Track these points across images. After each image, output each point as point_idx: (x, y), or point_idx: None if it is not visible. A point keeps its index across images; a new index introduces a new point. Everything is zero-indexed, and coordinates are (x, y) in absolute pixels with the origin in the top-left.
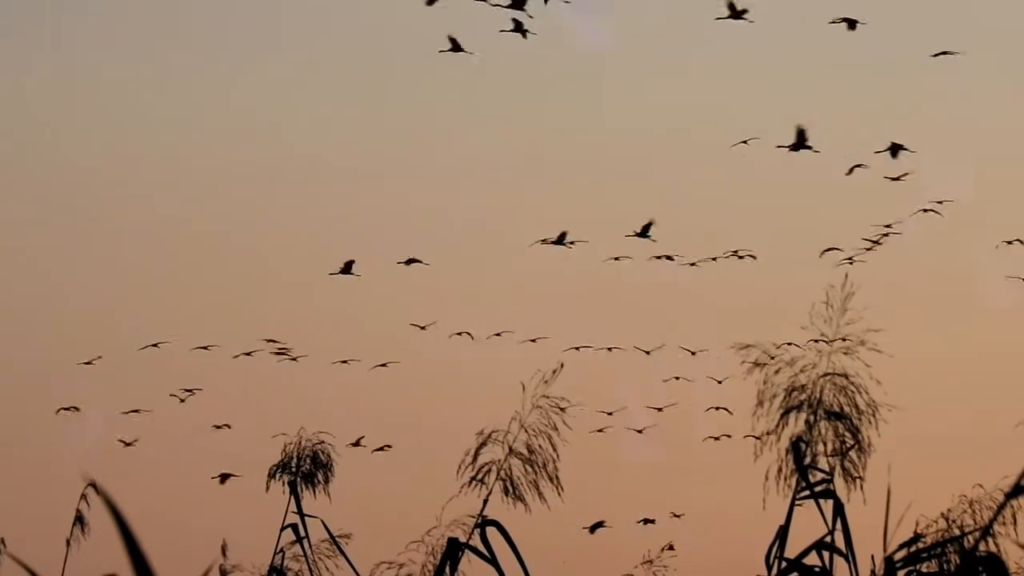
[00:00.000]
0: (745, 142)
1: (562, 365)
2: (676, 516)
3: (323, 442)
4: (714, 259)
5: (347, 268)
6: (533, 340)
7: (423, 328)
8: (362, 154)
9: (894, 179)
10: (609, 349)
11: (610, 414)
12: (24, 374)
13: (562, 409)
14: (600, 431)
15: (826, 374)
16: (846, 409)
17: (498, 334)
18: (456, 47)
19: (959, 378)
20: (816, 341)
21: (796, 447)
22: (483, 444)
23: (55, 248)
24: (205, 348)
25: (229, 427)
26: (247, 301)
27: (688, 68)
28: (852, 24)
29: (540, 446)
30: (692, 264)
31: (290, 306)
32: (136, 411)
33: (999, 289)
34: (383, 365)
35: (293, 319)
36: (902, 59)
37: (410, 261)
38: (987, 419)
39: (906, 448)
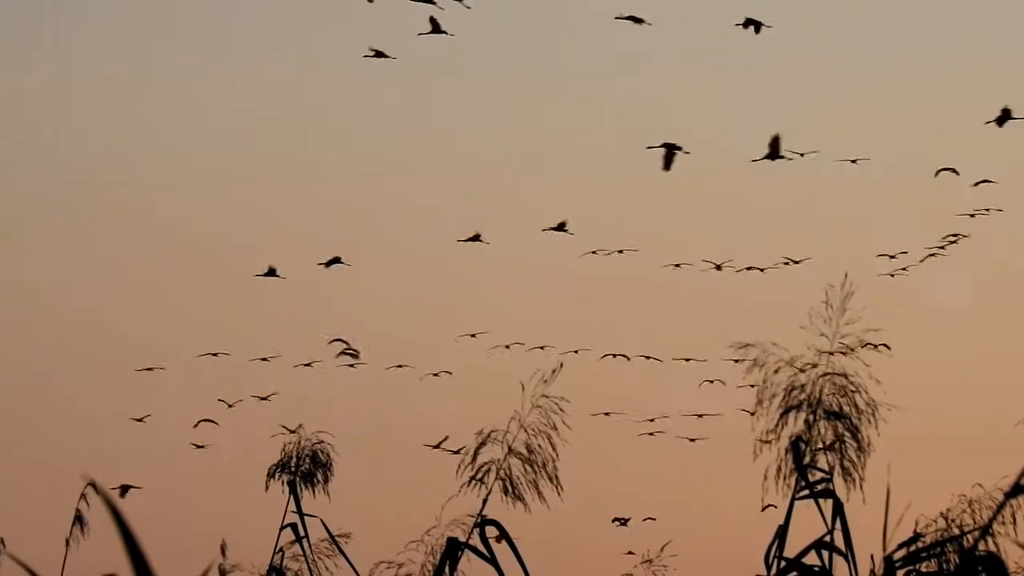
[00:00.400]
0: (802, 154)
1: (561, 365)
2: (650, 519)
3: (322, 441)
4: (762, 270)
5: (271, 272)
6: (542, 347)
7: (474, 336)
8: (362, 154)
9: (973, 184)
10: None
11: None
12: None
13: (561, 409)
14: (650, 434)
15: (825, 374)
16: (845, 408)
17: (521, 345)
18: (379, 54)
19: (959, 378)
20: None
21: (795, 446)
22: (482, 444)
23: (55, 248)
24: (265, 359)
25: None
26: (246, 301)
27: (694, 69)
28: (757, 27)
29: (539, 446)
30: (747, 269)
31: (291, 306)
32: (209, 420)
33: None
34: (435, 375)
35: (293, 320)
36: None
37: (331, 262)
38: (987, 419)
39: (906, 448)
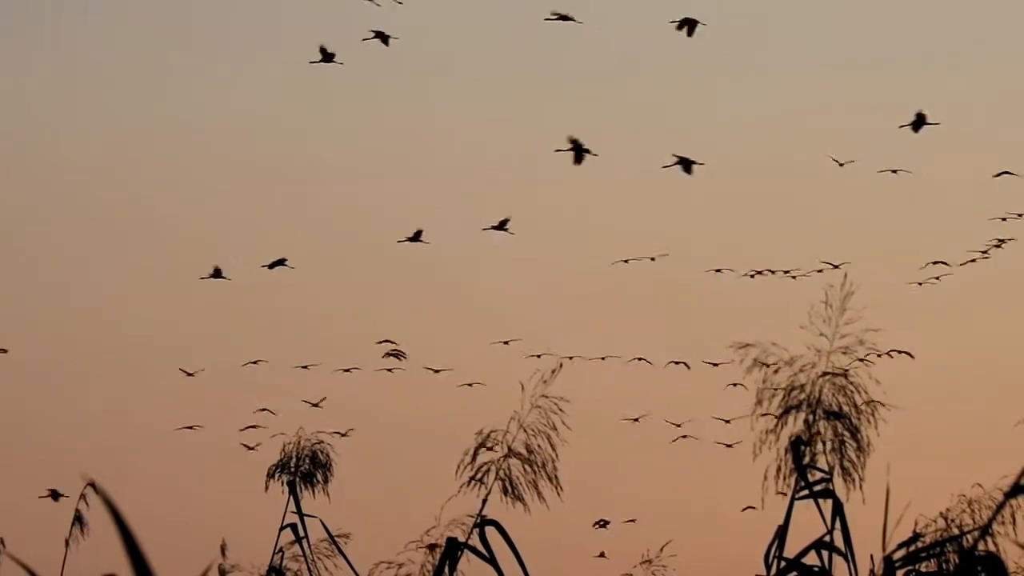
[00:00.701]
0: (841, 164)
1: (561, 365)
2: (630, 521)
3: (322, 442)
4: (806, 275)
5: (217, 273)
6: (538, 355)
7: (507, 344)
8: (362, 154)
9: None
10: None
11: (678, 425)
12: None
13: (561, 409)
14: (684, 438)
15: (825, 373)
16: (845, 408)
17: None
18: (327, 57)
19: (959, 378)
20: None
21: (795, 446)
22: (482, 444)
23: (55, 248)
24: (305, 367)
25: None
26: (246, 300)
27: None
28: (691, 28)
29: (539, 446)
30: (792, 276)
31: (292, 307)
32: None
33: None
34: (469, 385)
35: (295, 320)
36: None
37: (274, 264)
38: (987, 419)
39: (906, 448)
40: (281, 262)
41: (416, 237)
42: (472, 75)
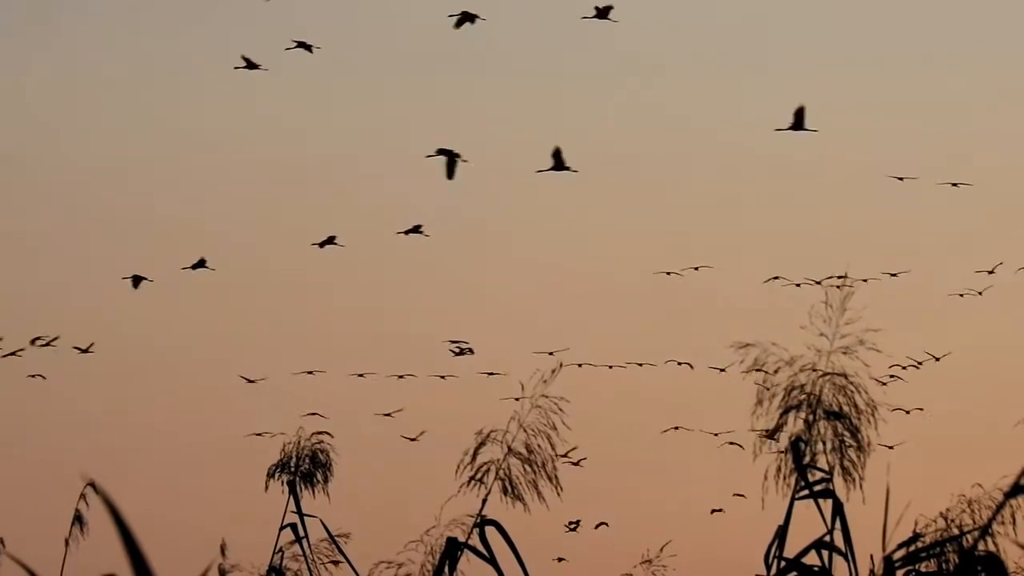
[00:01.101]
0: (900, 178)
1: (561, 364)
2: (602, 525)
3: (322, 441)
4: (864, 281)
5: (136, 281)
6: (610, 367)
7: (551, 354)
8: (362, 154)
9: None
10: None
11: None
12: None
13: (561, 409)
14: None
15: (825, 373)
16: (845, 408)
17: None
18: (250, 65)
19: (959, 378)
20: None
21: (795, 446)
22: (482, 444)
23: (55, 248)
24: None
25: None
26: (246, 301)
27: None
28: (308, 47)
29: (539, 446)
30: (817, 283)
31: (293, 308)
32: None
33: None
34: (514, 399)
35: (296, 322)
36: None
37: (196, 265)
38: (987, 419)
39: (905, 448)
40: (201, 263)
41: (330, 240)
42: (473, 76)
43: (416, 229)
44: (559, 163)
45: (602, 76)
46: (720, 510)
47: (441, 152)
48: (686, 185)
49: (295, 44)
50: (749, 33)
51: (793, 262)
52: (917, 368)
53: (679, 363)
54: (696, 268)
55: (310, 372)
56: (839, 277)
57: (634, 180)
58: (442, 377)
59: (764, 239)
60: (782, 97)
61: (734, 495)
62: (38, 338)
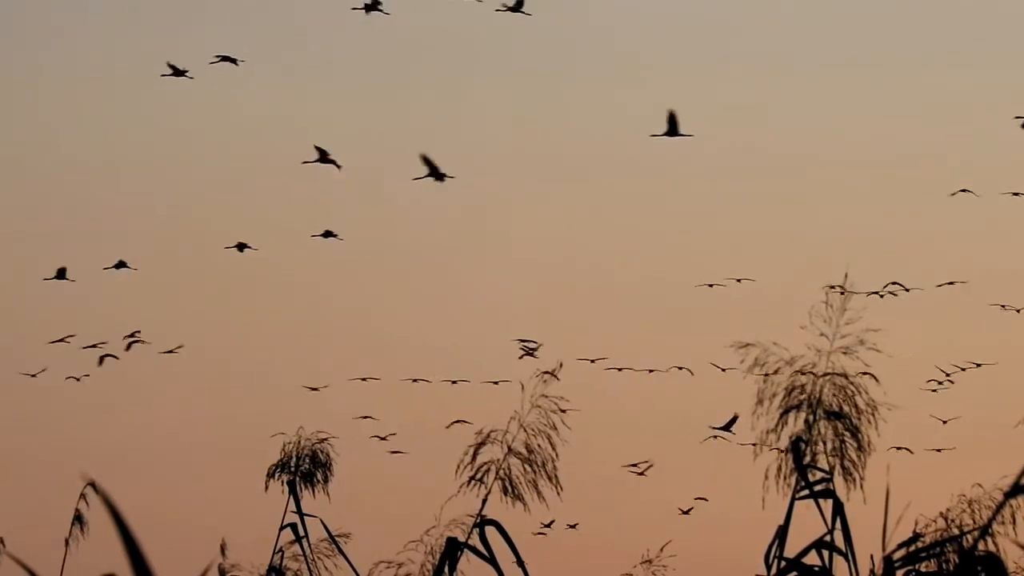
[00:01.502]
0: (964, 191)
1: (561, 364)
2: (571, 527)
3: (322, 441)
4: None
5: (60, 274)
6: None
7: (593, 362)
8: (362, 154)
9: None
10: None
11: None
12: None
13: (561, 409)
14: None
15: (825, 374)
16: (845, 408)
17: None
18: (177, 72)
19: (959, 378)
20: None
21: (796, 446)
22: (482, 443)
23: (55, 248)
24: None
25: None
26: (245, 300)
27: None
28: (233, 60)
29: (539, 445)
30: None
31: (294, 308)
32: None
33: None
34: (563, 411)
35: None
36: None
37: (118, 265)
38: (987, 419)
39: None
40: (122, 264)
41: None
42: (473, 75)
43: (329, 234)
44: (434, 170)
45: (602, 76)
46: (697, 502)
47: (426, 163)
48: (686, 187)
49: (218, 59)
50: (760, 33)
51: (826, 269)
52: (961, 372)
53: (679, 368)
54: (739, 280)
55: (315, 388)
56: (892, 283)
57: (634, 180)
58: (495, 383)
59: (788, 244)
60: (782, 97)
61: (697, 498)
62: (130, 336)
